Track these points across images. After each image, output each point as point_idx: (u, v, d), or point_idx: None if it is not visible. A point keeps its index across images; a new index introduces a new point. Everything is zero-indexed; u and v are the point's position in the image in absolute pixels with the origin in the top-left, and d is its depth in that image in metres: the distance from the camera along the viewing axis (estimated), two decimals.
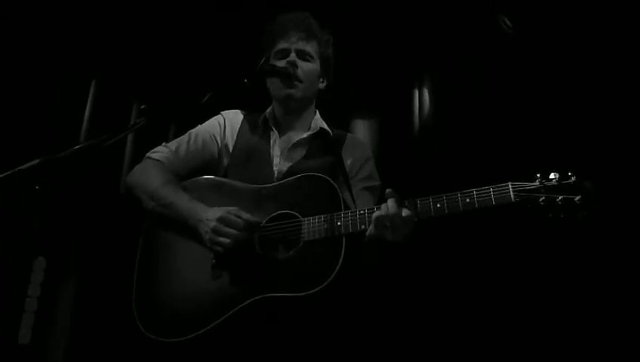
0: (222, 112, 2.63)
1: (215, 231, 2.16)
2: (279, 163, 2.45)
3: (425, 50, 3.93)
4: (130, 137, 3.76)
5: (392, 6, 3.87)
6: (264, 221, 2.23)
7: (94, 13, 3.78)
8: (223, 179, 2.43)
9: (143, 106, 2.10)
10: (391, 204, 2.01)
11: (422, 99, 3.93)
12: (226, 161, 2.52)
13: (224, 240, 2.16)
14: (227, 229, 2.16)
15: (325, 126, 2.58)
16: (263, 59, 2.46)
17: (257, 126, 2.57)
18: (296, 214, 2.19)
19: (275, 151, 2.49)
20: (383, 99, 3.95)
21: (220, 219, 2.17)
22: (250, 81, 2.24)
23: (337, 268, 2.01)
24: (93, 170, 3.56)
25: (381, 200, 2.08)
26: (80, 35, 3.78)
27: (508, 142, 3.43)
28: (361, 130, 3.92)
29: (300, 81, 2.45)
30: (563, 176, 1.92)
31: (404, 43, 3.93)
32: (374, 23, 3.91)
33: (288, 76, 2.43)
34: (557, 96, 3.42)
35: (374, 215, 2.03)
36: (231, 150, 2.52)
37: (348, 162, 2.47)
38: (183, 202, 2.28)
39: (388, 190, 2.05)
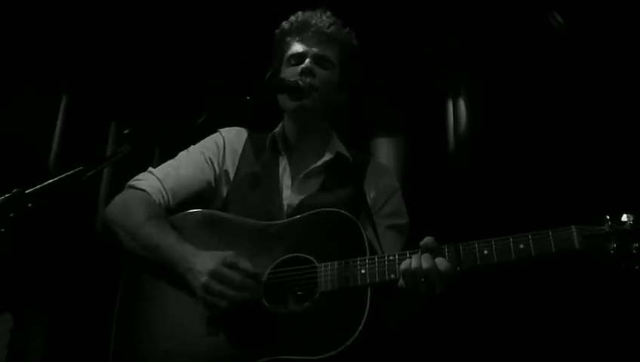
0: (221, 130, 2.62)
1: (206, 289, 2.11)
2: (290, 195, 2.44)
3: (460, 52, 3.97)
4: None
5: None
6: (271, 266, 2.20)
7: (65, 16, 3.85)
8: (221, 214, 2.41)
9: (126, 131, 2.10)
10: (425, 257, 1.99)
11: (457, 111, 3.95)
12: (224, 191, 2.51)
13: (218, 302, 2.10)
14: (221, 288, 2.10)
15: (344, 150, 2.57)
16: (269, 73, 2.48)
17: (264, 148, 2.57)
18: (311, 258, 2.17)
19: (285, 181, 2.49)
20: (410, 113, 3.98)
21: (213, 274, 2.11)
22: (253, 98, 2.26)
23: (361, 326, 1.98)
24: (64, 205, 3.58)
25: (410, 242, 2.07)
26: (50, 42, 3.84)
27: (566, 167, 3.44)
28: (384, 151, 3.94)
29: (315, 92, 2.45)
30: (638, 219, 1.91)
31: (435, 43, 3.97)
32: (397, 21, 3.94)
33: (299, 91, 2.43)
34: (629, 107, 3.42)
35: (401, 267, 2.01)
36: (232, 177, 2.52)
37: (371, 194, 2.47)
38: (170, 244, 2.23)
39: (426, 239, 2.02)
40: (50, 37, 3.85)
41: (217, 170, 2.53)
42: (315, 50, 2.49)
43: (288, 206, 2.41)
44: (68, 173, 1.94)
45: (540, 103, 3.69)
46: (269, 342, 2.08)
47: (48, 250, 3.63)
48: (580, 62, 3.63)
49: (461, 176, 3.75)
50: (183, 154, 2.56)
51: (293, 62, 2.51)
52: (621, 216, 1.91)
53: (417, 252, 2.04)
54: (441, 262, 1.98)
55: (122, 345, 2.27)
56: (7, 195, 1.83)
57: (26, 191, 1.87)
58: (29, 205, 1.85)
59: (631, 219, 1.90)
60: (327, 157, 2.53)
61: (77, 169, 1.94)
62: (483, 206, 3.54)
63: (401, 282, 2.03)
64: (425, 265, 1.97)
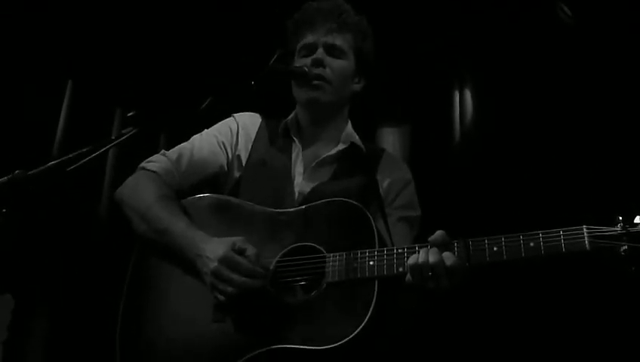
0: (235, 115, 2.62)
1: (216, 275, 2.09)
2: (301, 182, 2.43)
3: (468, 43, 3.94)
4: (112, 150, 3.79)
5: None
6: (280, 254, 2.20)
7: (70, 4, 3.83)
8: (232, 199, 2.40)
9: (131, 113, 2.09)
10: (432, 252, 1.97)
11: (463, 102, 3.93)
12: (236, 175, 2.51)
13: (227, 289, 2.09)
14: (230, 274, 2.08)
15: (358, 140, 2.55)
16: (274, 57, 2.46)
17: (277, 135, 2.56)
18: (320, 248, 2.15)
19: (298, 168, 2.47)
20: (417, 103, 3.96)
21: (223, 260, 2.09)
22: (257, 83, 2.24)
23: (367, 317, 1.97)
24: (69, 189, 3.58)
25: (421, 235, 2.04)
26: (55, 29, 3.83)
27: (576, 159, 3.42)
28: (390, 141, 3.93)
29: (327, 83, 2.43)
30: None
31: (442, 33, 3.94)
32: (404, 9, 3.91)
33: (304, 76, 2.42)
34: (634, 103, 3.40)
35: (409, 261, 1.99)
36: (244, 162, 2.51)
37: (384, 185, 2.45)
38: (180, 229, 2.23)
39: (437, 233, 2.00)
40: (57, 22, 3.84)
41: (230, 155, 2.53)
42: (325, 39, 2.47)
43: (300, 193, 2.40)
44: (70, 155, 1.93)
45: (548, 96, 3.68)
46: (275, 330, 2.07)
47: (52, 232, 3.62)
48: (589, 55, 3.60)
49: (467, 168, 3.74)
50: (196, 137, 2.56)
51: (304, 52, 2.50)
52: (634, 217, 1.89)
53: (427, 246, 2.02)
54: (449, 257, 1.96)
55: (129, 328, 2.26)
56: (8, 176, 1.83)
57: (29, 173, 1.87)
58: (31, 187, 1.85)
59: None
60: (341, 146, 2.51)
61: (79, 151, 1.94)
62: (489, 199, 3.52)
63: (408, 276, 2.01)
64: (432, 259, 1.96)
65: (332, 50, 2.48)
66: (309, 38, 2.49)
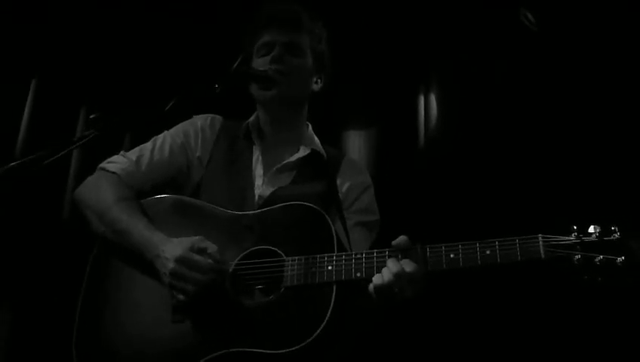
0: (195, 116, 2.62)
1: (174, 274, 2.10)
2: (261, 186, 2.45)
3: (432, 46, 3.96)
4: (75, 150, 3.76)
5: None
6: (239, 257, 2.20)
7: (36, 1, 3.79)
8: (192, 200, 2.41)
9: (92, 115, 2.07)
10: (391, 262, 1.98)
11: (428, 105, 3.95)
12: (197, 177, 2.51)
13: (185, 287, 2.10)
14: (189, 273, 2.09)
15: (319, 146, 2.57)
16: (238, 60, 2.47)
17: (238, 137, 2.56)
18: (279, 251, 2.16)
19: (258, 171, 2.49)
20: (382, 107, 3.97)
21: (180, 260, 2.10)
22: (221, 86, 2.24)
23: (325, 321, 1.98)
24: (31, 189, 3.54)
25: (380, 240, 2.04)
26: (20, 27, 3.78)
27: (535, 163, 3.44)
28: (355, 144, 3.94)
29: (286, 76, 2.44)
30: (605, 231, 1.89)
31: (407, 37, 3.96)
32: (369, 14, 3.94)
33: (268, 80, 2.43)
34: (599, 109, 3.42)
35: (374, 282, 1.99)
36: (205, 164, 2.52)
37: (343, 189, 2.47)
38: (138, 230, 2.23)
39: (400, 238, 2.03)
40: (21, 20, 3.79)
41: (191, 156, 2.53)
42: (283, 38, 2.49)
43: (260, 196, 2.41)
44: (30, 157, 1.92)
45: (512, 102, 3.70)
46: (232, 333, 2.08)
47: (15, 233, 3.57)
48: (553, 61, 3.65)
49: (431, 171, 3.75)
50: (156, 138, 2.56)
51: (263, 52, 2.51)
52: (588, 226, 1.92)
53: (384, 251, 2.05)
54: (407, 264, 1.98)
55: (86, 326, 2.25)
56: None
57: None
58: None
59: (597, 230, 1.91)
60: (302, 153, 2.53)
61: (40, 153, 1.92)
62: (452, 203, 3.54)
63: (371, 291, 2.02)
64: (394, 269, 1.97)
65: (290, 48, 2.50)
66: (267, 38, 2.51)
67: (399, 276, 1.96)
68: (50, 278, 3.54)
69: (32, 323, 3.54)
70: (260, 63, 2.49)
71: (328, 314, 1.99)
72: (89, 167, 2.55)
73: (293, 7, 2.55)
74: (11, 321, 3.56)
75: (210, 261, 2.12)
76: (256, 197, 2.41)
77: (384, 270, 2.00)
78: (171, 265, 2.11)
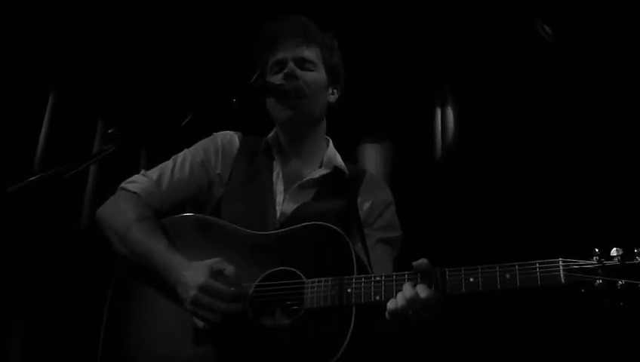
0: (215, 134, 2.62)
1: (196, 303, 2.10)
2: (282, 202, 2.45)
3: (448, 58, 3.97)
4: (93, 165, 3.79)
5: (410, 6, 3.90)
6: (259, 279, 2.19)
7: (53, 14, 3.84)
8: (213, 220, 2.40)
9: (110, 130, 2.08)
10: (406, 288, 1.97)
11: (445, 119, 3.95)
12: (217, 194, 2.51)
13: (208, 316, 2.10)
14: (210, 301, 2.09)
15: (340, 163, 2.56)
16: (256, 75, 2.48)
17: (258, 153, 2.57)
18: (299, 273, 2.15)
19: (279, 187, 2.48)
20: (398, 120, 3.98)
21: (202, 288, 2.09)
22: (239, 101, 2.25)
23: (345, 344, 1.97)
24: (48, 204, 3.56)
25: (401, 255, 2.01)
26: (37, 41, 3.83)
27: (557, 176, 3.41)
28: (371, 158, 3.93)
29: (303, 97, 2.45)
30: (627, 255, 1.85)
31: (424, 49, 3.97)
32: (386, 26, 3.95)
33: (284, 94, 2.43)
34: (627, 129, 3.37)
35: (388, 307, 1.98)
36: (225, 181, 2.52)
37: (364, 207, 2.47)
38: (158, 252, 2.24)
39: (420, 261, 2.00)
40: (39, 35, 3.83)
41: (211, 174, 2.54)
42: (294, 54, 2.49)
43: (282, 213, 2.41)
44: (50, 172, 1.93)
45: (529, 114, 3.69)
46: (252, 354, 2.08)
47: (33, 250, 3.59)
48: (569, 73, 3.63)
49: (448, 184, 3.74)
50: (177, 156, 2.56)
51: (276, 69, 2.52)
52: (610, 249, 1.87)
53: (404, 274, 2.03)
54: (423, 290, 1.96)
55: (110, 345, 2.27)
56: None
57: (8, 189, 1.87)
58: (10, 203, 1.85)
59: (620, 253, 1.86)
60: (324, 170, 2.52)
61: (59, 167, 1.94)
62: (469, 216, 3.52)
63: (388, 316, 2.01)
64: (407, 294, 1.95)
65: (302, 63, 2.50)
66: (279, 55, 2.51)
67: (413, 301, 1.95)
68: (67, 290, 3.55)
69: (50, 341, 3.56)
70: (274, 81, 2.49)
71: (348, 337, 1.98)
72: (107, 179, 2.55)
73: (300, 21, 2.55)
74: (25, 331, 3.58)
75: (232, 289, 2.12)
76: (278, 213, 2.41)
77: (399, 295, 1.99)
78: (193, 292, 2.11)
